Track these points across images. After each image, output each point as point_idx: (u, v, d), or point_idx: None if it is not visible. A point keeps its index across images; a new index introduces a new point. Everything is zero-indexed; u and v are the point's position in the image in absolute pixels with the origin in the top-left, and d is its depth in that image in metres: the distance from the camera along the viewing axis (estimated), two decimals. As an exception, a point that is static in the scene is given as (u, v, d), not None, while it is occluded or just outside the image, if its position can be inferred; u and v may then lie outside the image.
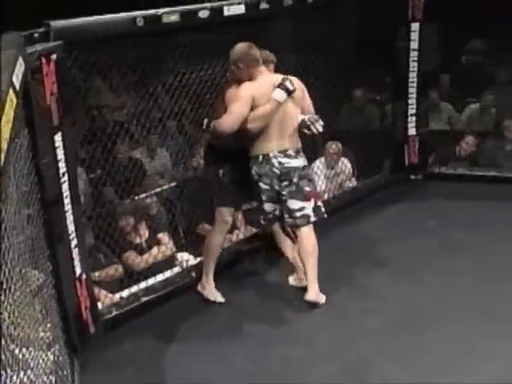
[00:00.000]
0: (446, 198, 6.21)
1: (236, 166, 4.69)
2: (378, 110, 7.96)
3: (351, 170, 6.60)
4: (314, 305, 4.65)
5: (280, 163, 4.58)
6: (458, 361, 4.06)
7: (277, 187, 4.62)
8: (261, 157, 4.59)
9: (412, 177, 6.60)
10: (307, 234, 4.67)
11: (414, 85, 6.27)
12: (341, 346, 4.27)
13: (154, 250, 5.29)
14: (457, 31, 7.42)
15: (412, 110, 6.36)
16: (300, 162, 4.64)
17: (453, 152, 6.99)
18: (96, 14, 4.09)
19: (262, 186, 4.62)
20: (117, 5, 4.51)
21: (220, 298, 4.79)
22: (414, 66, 6.21)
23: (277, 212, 4.71)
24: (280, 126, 4.59)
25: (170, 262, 5.30)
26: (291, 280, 4.96)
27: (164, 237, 5.34)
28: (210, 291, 4.80)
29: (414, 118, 6.38)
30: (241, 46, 4.55)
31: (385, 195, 6.37)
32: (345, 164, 6.52)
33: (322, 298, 4.69)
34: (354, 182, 6.59)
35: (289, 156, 4.60)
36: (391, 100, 6.69)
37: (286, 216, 4.66)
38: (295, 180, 4.61)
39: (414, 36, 6.13)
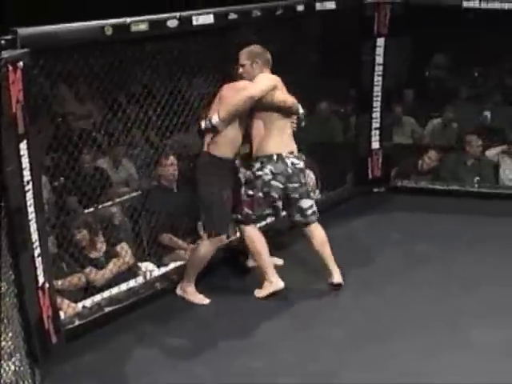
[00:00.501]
0: (408, 211, 6.28)
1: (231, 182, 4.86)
2: (341, 123, 8.01)
3: (315, 183, 6.62)
4: (339, 286, 4.95)
5: (292, 163, 4.83)
6: (420, 371, 4.10)
7: (290, 186, 4.83)
8: (275, 156, 4.80)
9: (375, 190, 6.66)
10: (318, 228, 5.02)
11: (379, 99, 6.34)
12: (304, 357, 4.28)
13: (112, 264, 5.14)
14: (421, 47, 7.53)
15: (376, 124, 6.43)
16: (302, 163, 4.89)
17: (415, 166, 7.07)
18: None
19: (276, 184, 4.82)
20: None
21: (205, 300, 4.87)
22: (378, 80, 6.29)
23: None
24: (286, 127, 4.86)
25: (132, 272, 5.24)
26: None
27: (122, 249, 5.22)
28: (193, 294, 4.88)
29: (377, 132, 6.45)
30: (258, 46, 4.88)
31: (348, 208, 6.42)
32: (309, 176, 6.54)
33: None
34: (317, 195, 6.61)
35: (296, 157, 4.88)
36: (355, 113, 6.73)
37: (298, 215, 4.94)
38: (303, 181, 4.91)
39: (379, 51, 6.20)
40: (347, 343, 4.40)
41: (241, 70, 4.83)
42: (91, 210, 5.56)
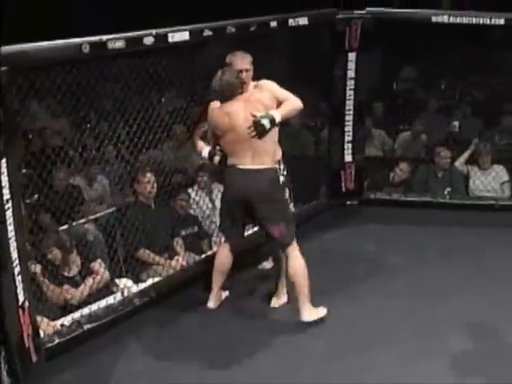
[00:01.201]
0: (381, 222, 6.35)
1: None
2: (312, 136, 8.09)
3: (289, 196, 6.65)
4: None
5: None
6: (400, 381, 4.15)
7: None
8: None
9: (348, 202, 6.72)
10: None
11: (351, 112, 6.40)
12: (287, 369, 4.31)
13: (88, 282, 5.12)
14: (390, 60, 7.64)
15: (348, 137, 6.49)
16: None
17: (386, 178, 7.16)
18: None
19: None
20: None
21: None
22: (350, 94, 6.34)
23: None
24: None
25: (109, 289, 5.24)
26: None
27: (98, 266, 5.19)
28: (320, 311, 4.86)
29: (350, 145, 6.51)
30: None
31: (322, 220, 6.46)
32: (283, 190, 6.58)
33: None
34: (291, 208, 6.64)
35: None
36: (328, 127, 6.79)
37: None
38: None
39: (351, 65, 6.27)
40: (328, 354, 4.44)
41: (245, 74, 4.67)
42: (65, 227, 5.56)
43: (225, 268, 4.93)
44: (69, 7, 9.38)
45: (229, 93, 4.61)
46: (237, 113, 4.62)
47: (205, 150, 4.85)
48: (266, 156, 4.66)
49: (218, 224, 5.18)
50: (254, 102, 4.63)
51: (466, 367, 4.29)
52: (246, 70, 4.68)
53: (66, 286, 5.03)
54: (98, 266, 5.22)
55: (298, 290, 4.74)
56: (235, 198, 4.74)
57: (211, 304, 4.96)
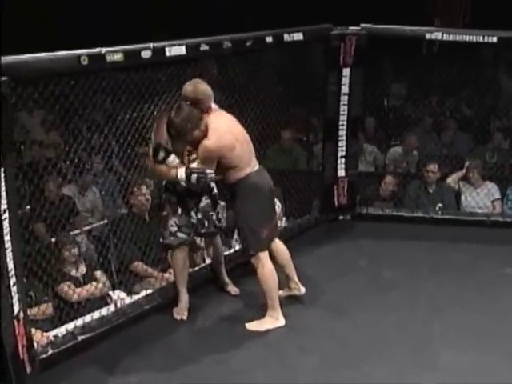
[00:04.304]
0: (374, 237, 6.37)
1: None
2: (304, 151, 8.14)
3: (281, 210, 6.69)
4: None
5: None
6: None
7: None
8: None
9: (341, 217, 6.73)
10: None
11: (344, 128, 6.43)
12: None
13: (90, 285, 5.27)
14: (382, 76, 7.69)
15: (342, 152, 6.51)
16: None
17: (378, 193, 7.20)
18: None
19: None
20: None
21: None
22: (344, 109, 6.38)
23: None
24: None
25: (103, 300, 5.27)
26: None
27: (101, 275, 5.32)
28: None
29: (343, 160, 6.53)
30: None
31: (314, 235, 6.47)
32: (276, 203, 6.59)
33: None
34: (283, 222, 6.68)
35: None
36: (321, 142, 6.82)
37: None
38: None
39: (345, 81, 6.30)
40: (321, 369, 4.44)
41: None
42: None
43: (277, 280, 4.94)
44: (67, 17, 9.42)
45: (206, 100, 4.65)
46: (230, 121, 4.75)
47: (180, 172, 4.60)
48: None
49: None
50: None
51: (459, 382, 4.31)
52: None
53: (68, 283, 5.15)
54: (100, 274, 5.37)
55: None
56: (269, 196, 4.89)
57: (283, 321, 4.92)
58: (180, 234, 4.84)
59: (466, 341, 4.75)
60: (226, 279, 5.29)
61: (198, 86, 4.64)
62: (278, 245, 5.07)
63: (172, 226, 4.82)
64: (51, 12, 9.23)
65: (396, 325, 4.95)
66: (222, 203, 4.96)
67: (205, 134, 4.57)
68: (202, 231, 4.97)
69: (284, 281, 5.13)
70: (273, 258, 4.97)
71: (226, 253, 5.60)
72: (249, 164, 4.74)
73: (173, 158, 4.62)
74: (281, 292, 5.06)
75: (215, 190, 4.96)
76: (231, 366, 4.52)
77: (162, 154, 4.59)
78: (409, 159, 7.99)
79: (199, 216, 4.86)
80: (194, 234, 5.01)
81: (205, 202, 4.88)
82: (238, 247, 5.69)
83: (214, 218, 4.95)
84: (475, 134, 8.44)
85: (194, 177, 4.57)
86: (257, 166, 4.80)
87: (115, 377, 4.39)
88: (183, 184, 4.63)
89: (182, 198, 4.81)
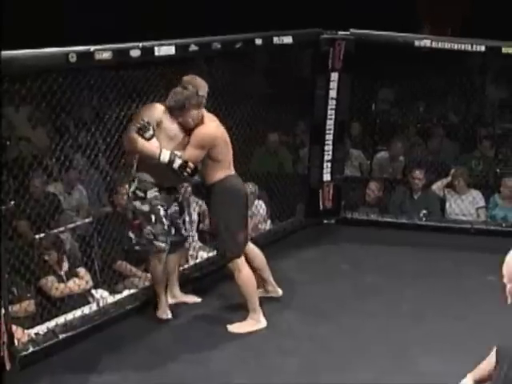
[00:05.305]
0: (358, 242, 6.39)
1: None
2: (290, 154, 8.14)
3: (266, 213, 6.70)
4: None
5: None
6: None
7: None
8: None
9: (325, 221, 6.74)
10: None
11: (331, 132, 6.45)
12: (259, 385, 4.32)
13: (72, 282, 5.29)
14: (369, 81, 7.70)
15: (328, 157, 6.52)
16: None
17: (363, 198, 7.22)
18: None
19: None
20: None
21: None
22: (331, 113, 6.40)
23: None
24: None
25: (86, 297, 5.26)
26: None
27: (84, 272, 5.31)
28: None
29: (329, 164, 6.55)
30: None
31: (298, 239, 6.48)
32: (261, 206, 6.62)
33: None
34: (268, 225, 6.68)
35: None
36: (308, 146, 6.83)
37: None
38: None
39: (333, 85, 6.32)
40: (301, 372, 4.45)
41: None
42: (42, 235, 5.57)
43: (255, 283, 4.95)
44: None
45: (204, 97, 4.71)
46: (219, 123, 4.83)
47: (164, 153, 4.59)
48: None
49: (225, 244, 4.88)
50: None
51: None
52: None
53: (51, 277, 5.18)
54: (84, 272, 5.37)
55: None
56: (246, 201, 4.93)
57: (264, 322, 4.93)
58: (157, 243, 4.79)
59: (447, 347, 4.76)
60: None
61: (201, 82, 4.73)
62: (253, 249, 5.11)
63: (148, 234, 4.77)
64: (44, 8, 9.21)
65: (377, 330, 4.97)
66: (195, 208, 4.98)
67: (200, 122, 4.68)
68: (170, 239, 4.90)
69: (261, 284, 5.16)
70: (249, 262, 4.98)
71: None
72: (229, 166, 4.81)
73: (156, 141, 4.63)
74: (259, 291, 5.08)
75: (181, 198, 5.00)
76: (210, 366, 4.52)
77: (150, 132, 4.58)
78: (395, 165, 8.01)
79: (168, 223, 4.84)
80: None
81: (173, 208, 4.88)
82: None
83: (181, 225, 4.97)
84: (461, 141, 8.48)
85: (177, 162, 4.59)
86: (234, 172, 4.85)
87: (95, 376, 4.37)
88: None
89: (153, 206, 4.76)
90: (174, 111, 4.65)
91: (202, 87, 4.73)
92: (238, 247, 4.82)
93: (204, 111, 4.76)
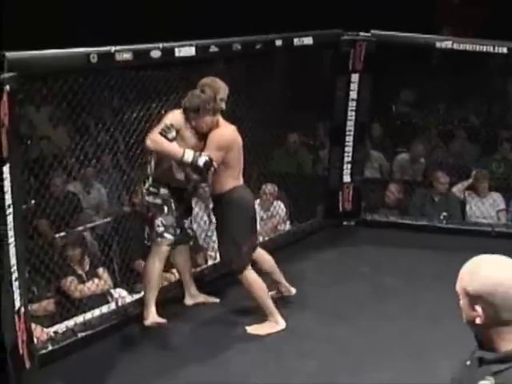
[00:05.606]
0: (377, 244, 6.36)
1: None
2: (310, 155, 8.12)
3: (285, 214, 6.69)
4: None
5: None
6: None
7: None
8: None
9: (345, 223, 6.71)
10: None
11: (351, 133, 6.43)
12: (278, 388, 4.31)
13: (93, 283, 5.31)
14: (390, 83, 7.68)
15: (348, 158, 6.50)
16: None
17: (383, 200, 7.19)
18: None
19: None
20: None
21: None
22: (351, 115, 6.38)
23: None
24: None
25: (105, 297, 5.29)
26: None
27: (103, 272, 5.34)
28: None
29: (349, 166, 6.53)
30: None
31: (318, 240, 6.47)
32: (280, 207, 6.62)
33: None
34: (288, 226, 6.68)
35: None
36: (328, 147, 6.81)
37: None
38: None
39: (354, 86, 6.30)
40: (319, 374, 4.44)
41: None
42: (62, 234, 5.61)
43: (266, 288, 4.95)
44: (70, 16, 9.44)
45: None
46: (235, 128, 4.81)
47: (187, 152, 4.59)
48: None
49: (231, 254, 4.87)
50: None
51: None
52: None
53: (71, 278, 5.20)
54: (102, 271, 5.39)
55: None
56: (253, 212, 4.93)
57: (283, 323, 4.94)
58: (167, 235, 4.79)
59: (464, 350, 4.72)
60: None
61: (221, 84, 4.77)
62: (263, 254, 5.11)
63: (159, 226, 4.78)
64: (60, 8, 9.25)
65: (395, 332, 4.95)
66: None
67: (215, 127, 4.68)
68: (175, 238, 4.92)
69: (274, 286, 5.18)
70: (258, 266, 5.02)
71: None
72: (238, 176, 4.80)
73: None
74: (272, 293, 5.10)
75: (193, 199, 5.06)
76: (229, 368, 4.52)
77: (173, 134, 4.60)
78: (416, 167, 7.96)
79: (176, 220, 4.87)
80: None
81: (182, 209, 4.89)
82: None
83: (186, 225, 4.99)
84: (482, 143, 8.42)
85: (202, 159, 4.56)
86: (242, 182, 4.84)
87: (113, 374, 4.39)
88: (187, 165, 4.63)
89: (166, 200, 4.79)
90: (189, 113, 4.65)
91: (222, 90, 4.74)
92: (243, 259, 4.81)
93: (220, 118, 4.75)
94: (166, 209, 4.78)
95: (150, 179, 4.82)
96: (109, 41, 4.43)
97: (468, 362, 2.16)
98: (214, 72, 5.51)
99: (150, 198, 4.82)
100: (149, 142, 4.64)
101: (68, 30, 8.47)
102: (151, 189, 4.80)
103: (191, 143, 4.69)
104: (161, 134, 4.58)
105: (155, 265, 4.80)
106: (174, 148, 4.61)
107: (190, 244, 5.22)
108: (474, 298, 2.05)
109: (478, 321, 2.06)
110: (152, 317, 4.74)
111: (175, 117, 4.68)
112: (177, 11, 9.59)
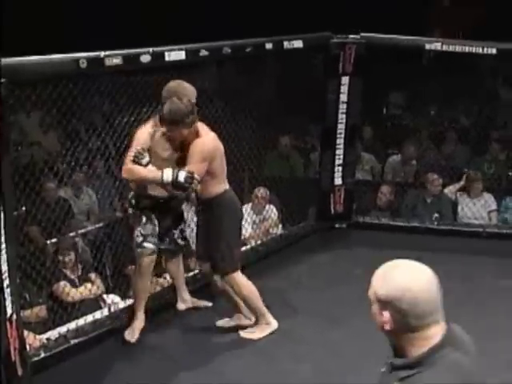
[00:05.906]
0: (369, 246, 6.33)
1: None
2: (302, 158, 8.13)
3: (278, 217, 6.69)
4: None
5: None
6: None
7: None
8: None
9: (337, 225, 6.70)
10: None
11: (342, 136, 6.42)
12: (270, 392, 4.31)
13: (85, 287, 5.32)
14: (380, 85, 7.69)
15: (339, 161, 6.49)
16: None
17: (375, 202, 7.19)
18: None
19: None
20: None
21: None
22: (342, 117, 6.38)
23: None
24: None
25: (97, 302, 5.27)
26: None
27: (95, 277, 5.34)
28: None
29: (340, 168, 6.52)
30: None
31: (310, 243, 6.46)
32: (272, 210, 6.61)
33: None
34: (280, 229, 6.67)
35: None
36: (319, 150, 6.81)
37: None
38: None
39: (344, 89, 6.30)
40: (314, 377, 4.43)
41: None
42: (54, 240, 5.59)
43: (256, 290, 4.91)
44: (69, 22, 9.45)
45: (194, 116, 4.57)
46: (215, 135, 4.74)
47: (166, 172, 4.44)
48: None
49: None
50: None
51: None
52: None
53: (63, 282, 5.19)
54: (95, 276, 5.40)
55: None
56: (241, 215, 4.91)
57: (275, 324, 4.92)
58: (147, 244, 4.75)
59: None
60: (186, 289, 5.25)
61: (190, 88, 4.68)
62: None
63: (137, 236, 4.74)
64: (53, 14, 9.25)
65: (388, 335, 4.94)
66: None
67: (196, 136, 4.56)
68: (162, 247, 4.90)
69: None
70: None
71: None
72: (224, 181, 4.74)
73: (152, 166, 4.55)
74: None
75: (181, 208, 5.00)
76: (223, 373, 4.50)
77: (147, 159, 4.48)
78: (407, 169, 7.98)
79: (161, 231, 4.83)
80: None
81: (169, 219, 4.87)
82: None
83: (176, 236, 4.95)
84: (472, 144, 8.44)
85: (181, 174, 4.41)
86: (228, 186, 4.79)
87: (106, 381, 4.37)
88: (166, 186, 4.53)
89: (145, 210, 4.76)
90: (166, 124, 4.53)
91: (192, 94, 4.65)
92: (236, 261, 4.80)
93: (198, 124, 4.61)
94: (144, 218, 4.74)
95: (132, 192, 4.82)
96: (109, 43, 4.45)
97: (383, 369, 2.13)
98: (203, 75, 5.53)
99: (130, 210, 4.85)
100: (125, 174, 4.59)
101: (68, 33, 8.45)
102: (132, 200, 4.81)
103: (165, 155, 4.60)
104: (134, 161, 4.48)
105: (140, 277, 4.78)
106: (151, 173, 4.50)
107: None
108: (384, 304, 2.02)
109: (386, 327, 2.03)
110: (134, 326, 4.77)
111: (143, 136, 4.58)
112: (164, 20, 9.61)
